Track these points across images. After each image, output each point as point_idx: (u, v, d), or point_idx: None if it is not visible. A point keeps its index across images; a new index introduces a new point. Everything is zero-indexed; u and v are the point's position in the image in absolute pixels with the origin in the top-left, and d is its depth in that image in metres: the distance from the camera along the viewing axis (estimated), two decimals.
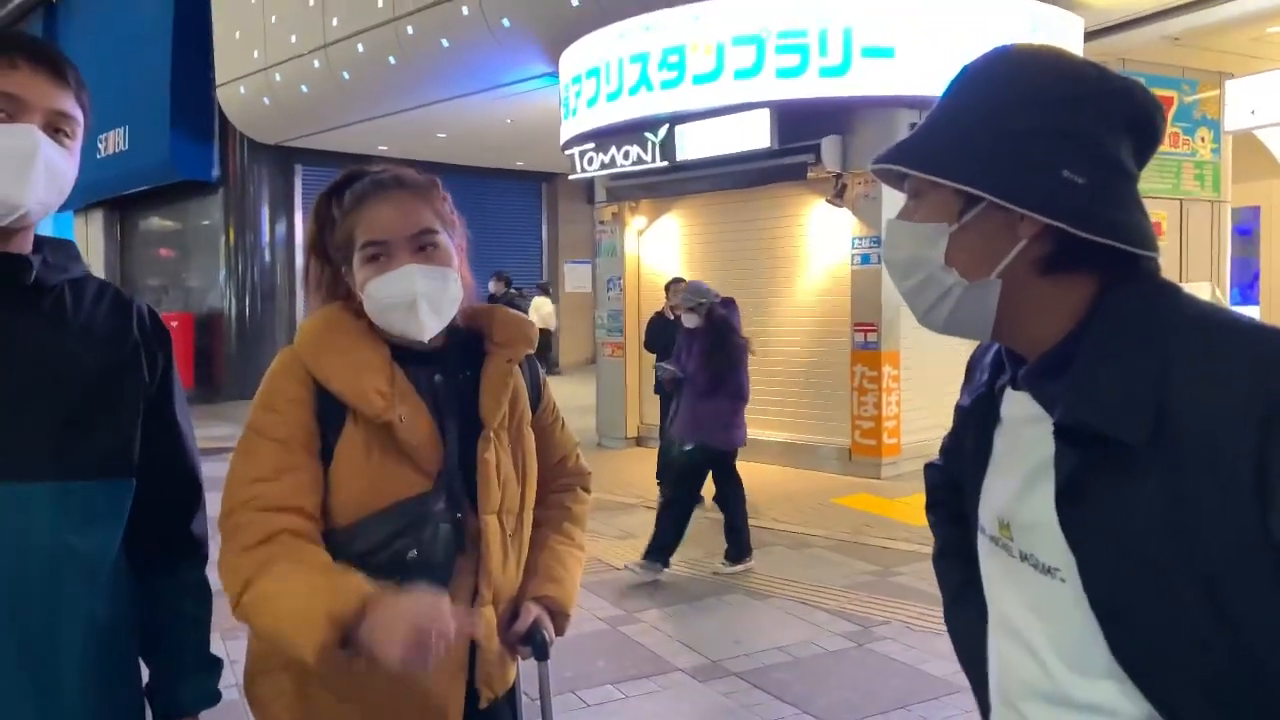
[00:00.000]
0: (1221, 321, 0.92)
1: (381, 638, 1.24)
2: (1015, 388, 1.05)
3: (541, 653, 1.56)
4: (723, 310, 5.93)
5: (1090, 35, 8.40)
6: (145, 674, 1.45)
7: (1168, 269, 1.01)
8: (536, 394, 1.67)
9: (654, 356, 7.66)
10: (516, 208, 16.19)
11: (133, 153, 14.15)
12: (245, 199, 13.81)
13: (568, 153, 9.76)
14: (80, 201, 15.98)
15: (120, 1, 14.49)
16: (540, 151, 12.79)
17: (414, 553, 1.42)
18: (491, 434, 1.52)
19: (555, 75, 9.69)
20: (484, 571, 1.50)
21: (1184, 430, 0.86)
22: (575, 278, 17.03)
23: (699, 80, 8.14)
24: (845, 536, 6.41)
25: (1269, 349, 0.88)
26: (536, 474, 1.62)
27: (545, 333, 15.24)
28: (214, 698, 1.46)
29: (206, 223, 14.40)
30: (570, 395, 10.70)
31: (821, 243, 8.70)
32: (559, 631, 1.60)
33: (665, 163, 8.73)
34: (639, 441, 10.16)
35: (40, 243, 1.34)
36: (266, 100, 12.31)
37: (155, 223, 16.44)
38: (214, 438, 5.81)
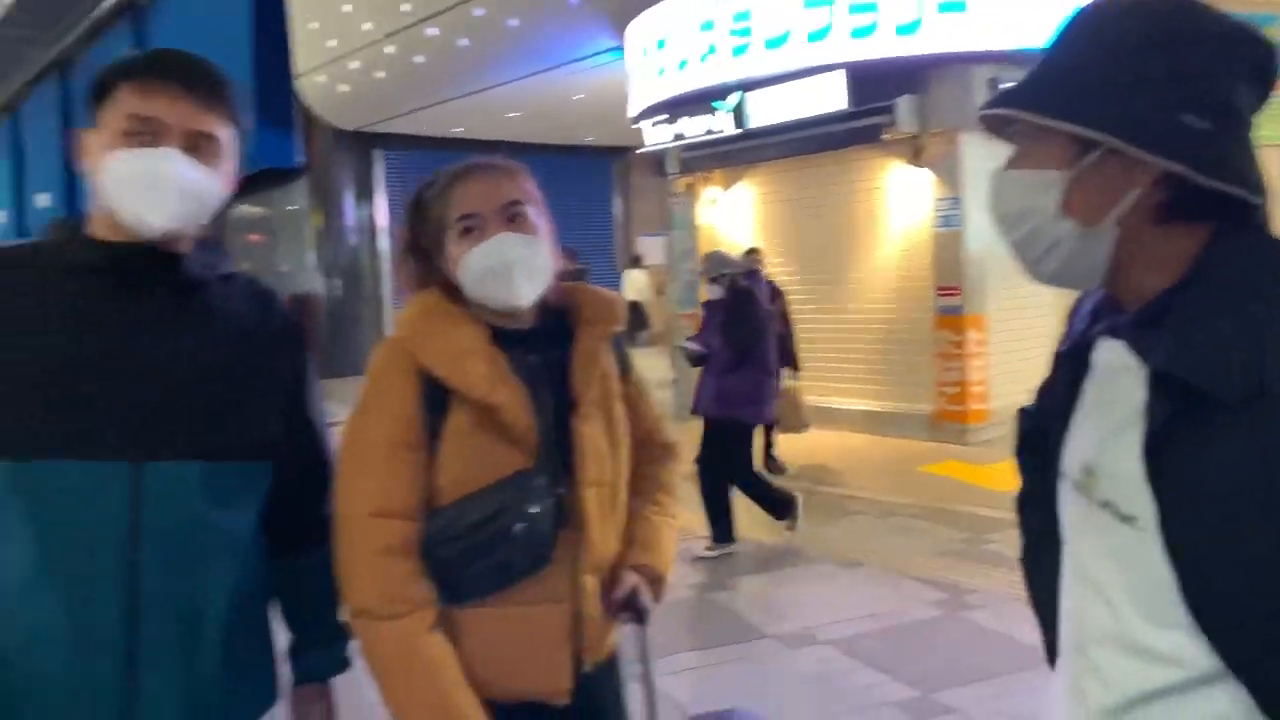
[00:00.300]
0: None
1: None
2: (1112, 336, 1.03)
3: (641, 618, 1.61)
4: (746, 282, 5.72)
5: None
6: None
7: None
8: (624, 368, 1.71)
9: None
10: (588, 183, 16.25)
11: None
12: (329, 184, 14.15)
13: (637, 125, 9.75)
14: None
15: (201, 3, 14.90)
16: (610, 126, 12.80)
17: (519, 526, 1.48)
18: (585, 409, 1.57)
19: (622, 49, 9.67)
20: (584, 542, 1.55)
21: None
22: (649, 251, 17.04)
23: (770, 45, 8.04)
24: (932, 504, 6.34)
25: None
26: (628, 447, 1.67)
27: (638, 306, 15.33)
28: (344, 665, 1.56)
29: (293, 208, 14.80)
30: (647, 369, 10.74)
31: (900, 206, 8.55)
32: (656, 597, 1.65)
33: (737, 130, 8.66)
34: None
35: (196, 242, 1.43)
36: (345, 88, 12.56)
37: (245, 210, 16.97)
38: None
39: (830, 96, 7.85)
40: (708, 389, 5.67)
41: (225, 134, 1.40)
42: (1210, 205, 0.93)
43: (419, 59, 11.37)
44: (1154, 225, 0.96)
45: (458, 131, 13.31)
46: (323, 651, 1.54)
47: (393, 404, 1.49)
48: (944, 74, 7.78)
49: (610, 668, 1.68)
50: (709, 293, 5.80)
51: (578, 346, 1.60)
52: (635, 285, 14.30)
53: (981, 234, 8.00)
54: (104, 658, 1.28)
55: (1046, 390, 1.23)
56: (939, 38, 7.42)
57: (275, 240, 15.41)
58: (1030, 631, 1.27)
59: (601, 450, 1.58)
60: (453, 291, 1.56)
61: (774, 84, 8.21)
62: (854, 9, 7.54)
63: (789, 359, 7.40)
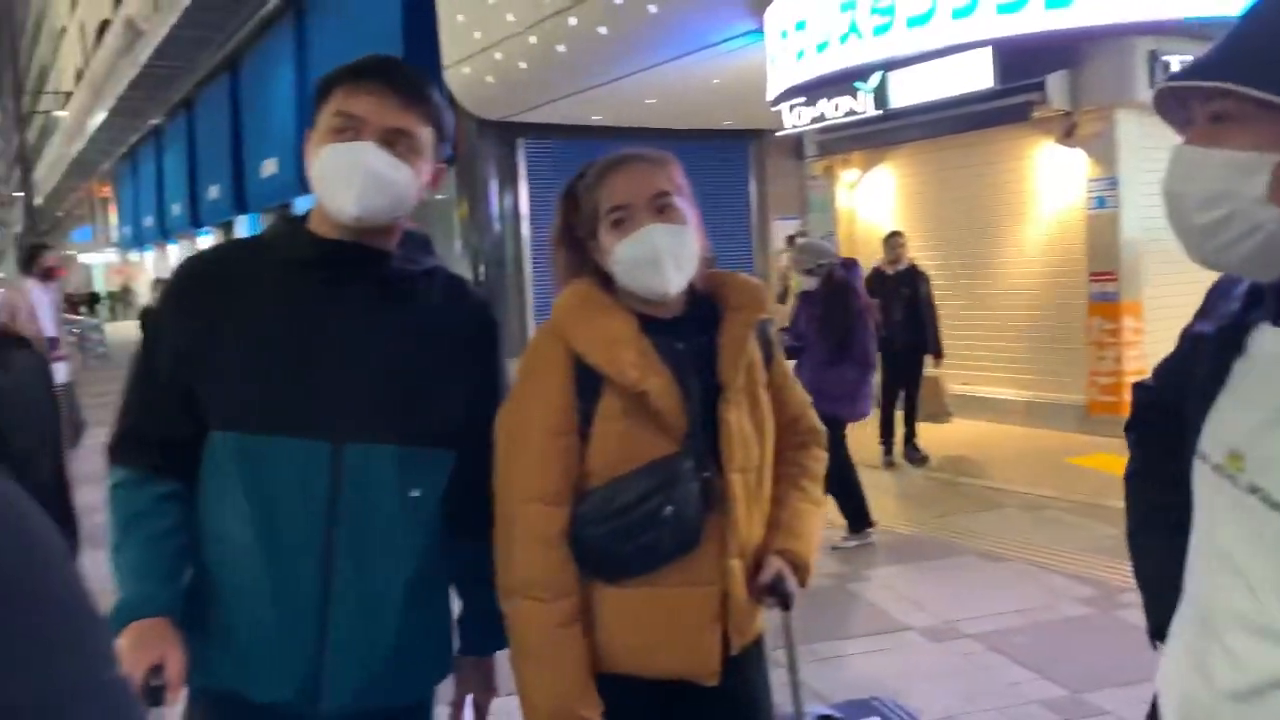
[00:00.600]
0: None
1: None
2: (1277, 324, 1.01)
3: (786, 603, 1.65)
4: (843, 272, 5.50)
5: None
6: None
7: None
8: (769, 355, 1.74)
9: None
10: (723, 168, 16.17)
11: None
12: (475, 174, 14.59)
13: (775, 108, 9.68)
14: None
15: (355, 1, 15.57)
16: (747, 109, 12.70)
17: (669, 509, 1.54)
18: (731, 396, 1.61)
19: (761, 31, 9.60)
20: (731, 526, 1.59)
21: None
22: (784, 235, 16.85)
23: (912, 23, 7.84)
24: (1084, 498, 6.11)
25: None
26: (773, 433, 1.70)
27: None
28: (504, 642, 1.65)
29: (441, 197, 15.33)
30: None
31: (1050, 187, 8.21)
32: (801, 584, 1.68)
33: (878, 111, 8.50)
34: None
35: (403, 238, 1.57)
36: (490, 79, 12.91)
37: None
38: None
39: (976, 74, 7.61)
40: (802, 383, 5.54)
41: (424, 133, 1.51)
42: None
43: (560, 48, 11.59)
44: None
45: (596, 119, 13.50)
46: (488, 627, 1.63)
47: (547, 391, 1.57)
48: (1099, 48, 7.42)
49: (757, 651, 1.72)
50: (804, 284, 5.63)
51: (724, 333, 1.64)
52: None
53: (1139, 216, 7.62)
54: (300, 613, 1.45)
55: (1177, 369, 1.21)
56: (1094, 10, 7.06)
57: (426, 229, 15.99)
58: None
59: (747, 436, 1.62)
60: (604, 280, 1.63)
61: (917, 63, 8.01)
62: None
63: (932, 346, 7.27)
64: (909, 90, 8.19)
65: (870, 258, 8.10)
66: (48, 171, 43.18)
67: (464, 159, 14.58)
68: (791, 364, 5.77)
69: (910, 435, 7.46)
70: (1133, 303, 7.62)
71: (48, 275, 7.03)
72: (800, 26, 8.84)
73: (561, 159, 13.51)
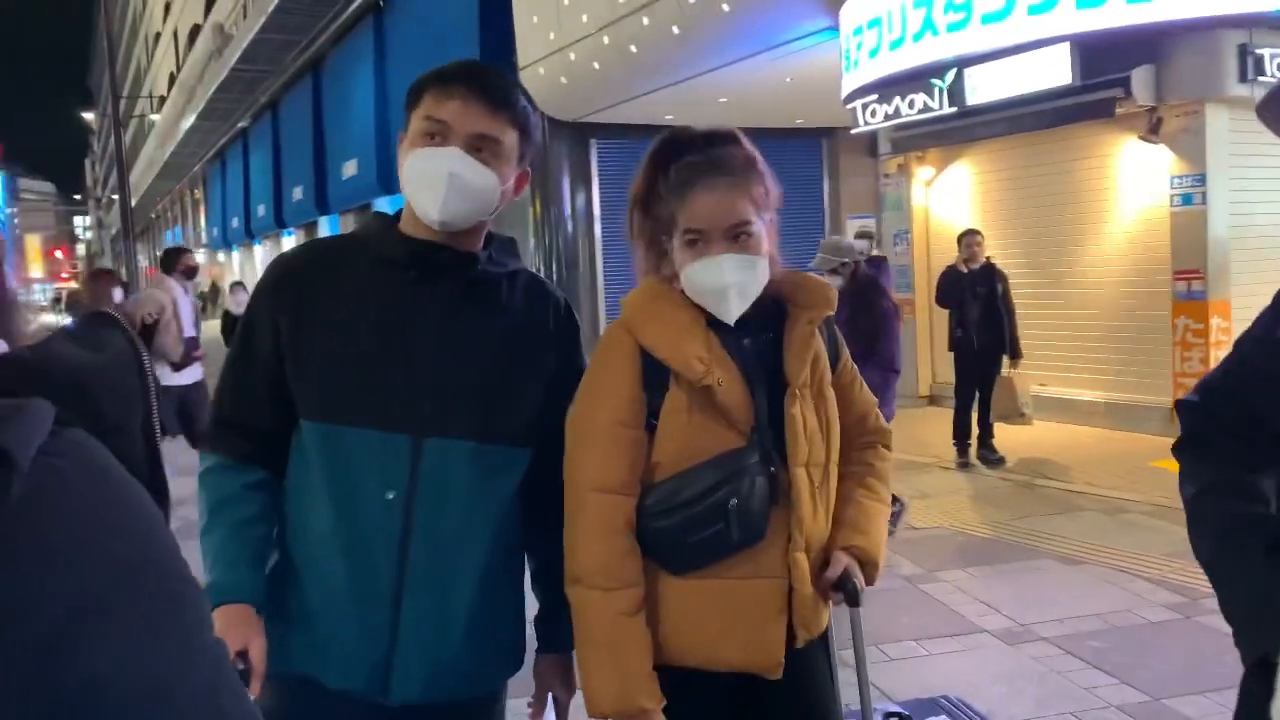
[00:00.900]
0: None
1: None
2: None
3: (853, 599, 1.66)
4: (870, 270, 5.29)
5: None
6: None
7: None
8: (835, 354, 1.76)
9: (946, 313, 7.47)
10: (796, 166, 16.05)
11: None
12: (548, 174, 14.77)
13: (849, 106, 9.62)
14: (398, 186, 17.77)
15: (433, 2, 15.88)
16: (819, 107, 12.62)
17: (734, 502, 1.56)
18: (796, 392, 1.63)
19: (835, 29, 9.55)
20: (796, 520, 1.61)
21: None
22: (852, 232, 16.68)
23: (988, 19, 7.72)
24: (1166, 502, 5.96)
25: None
26: (839, 430, 1.72)
27: None
28: None
29: (517, 198, 15.59)
30: None
31: (1133, 184, 8.02)
32: (869, 581, 1.69)
33: (954, 109, 8.39)
34: (932, 400, 9.93)
35: (489, 240, 1.63)
36: (563, 79, 13.06)
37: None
38: None
39: (1055, 70, 7.46)
40: None
41: (510, 138, 1.54)
42: None
43: (633, 48, 11.68)
44: None
45: (669, 119, 13.52)
46: (567, 624, 1.62)
47: (616, 384, 1.61)
48: (1186, 41, 7.22)
49: (821, 647, 1.73)
50: (829, 284, 5.52)
51: (790, 331, 1.66)
52: None
53: (1226, 213, 7.40)
54: (374, 604, 1.49)
55: (1258, 379, 1.18)
56: (1180, 3, 6.88)
57: (501, 229, 16.23)
58: None
59: (812, 431, 1.64)
60: (670, 273, 1.66)
61: (993, 59, 7.89)
62: None
63: (1010, 346, 7.17)
64: (986, 87, 8.07)
65: (946, 256, 8.02)
66: (142, 174, 44.89)
67: (538, 159, 14.75)
68: None
69: (985, 436, 7.36)
70: (1220, 301, 7.40)
71: (188, 275, 7.33)
72: (874, 24, 8.77)
73: (634, 159, 13.35)
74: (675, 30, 10.93)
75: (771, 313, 1.68)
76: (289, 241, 26.60)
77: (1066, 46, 7.34)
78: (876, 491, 1.79)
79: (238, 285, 15.21)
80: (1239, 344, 1.24)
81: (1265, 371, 1.19)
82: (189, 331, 6.76)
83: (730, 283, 1.58)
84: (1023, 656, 3.90)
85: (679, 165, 1.63)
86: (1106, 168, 8.26)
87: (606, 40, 11.97)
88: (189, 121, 30.60)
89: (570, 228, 14.86)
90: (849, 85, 9.45)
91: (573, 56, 12.64)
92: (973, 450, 7.38)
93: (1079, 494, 6.39)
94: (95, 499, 0.52)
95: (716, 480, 1.56)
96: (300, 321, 1.52)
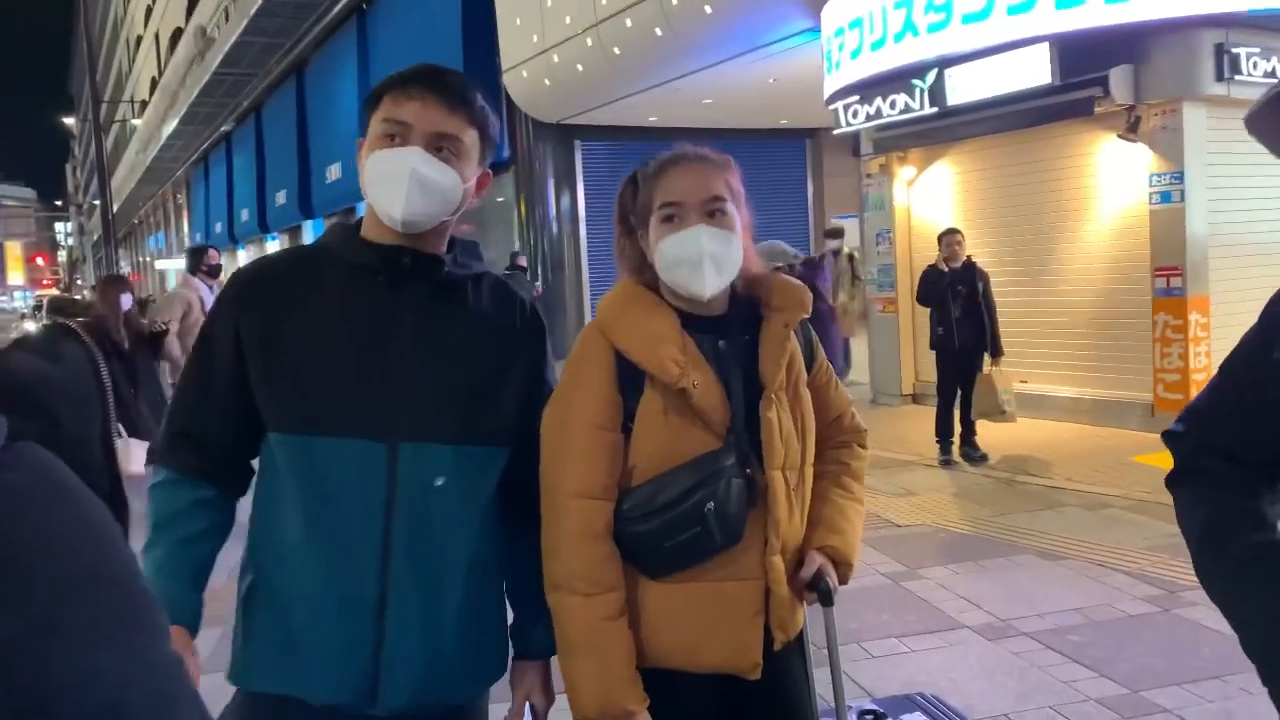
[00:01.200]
0: None
1: None
2: None
3: (826, 599, 1.67)
4: (804, 271, 5.31)
5: None
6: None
7: None
8: (810, 355, 1.77)
9: (928, 311, 7.52)
10: (781, 166, 16.15)
11: None
12: (533, 176, 14.78)
13: (831, 107, 9.66)
14: None
15: (415, 4, 15.87)
16: (803, 108, 12.70)
17: (710, 505, 1.56)
18: (772, 395, 1.64)
19: (817, 30, 9.60)
20: (772, 523, 1.62)
21: None
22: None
23: (968, 19, 7.79)
24: (1147, 496, 6.03)
25: None
26: (814, 431, 1.73)
27: None
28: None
29: (500, 199, 15.56)
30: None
31: (1113, 182, 8.08)
32: (842, 580, 1.70)
33: (934, 109, 8.45)
34: (915, 399, 9.98)
35: (452, 243, 1.61)
36: (547, 81, 13.07)
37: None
38: None
39: (1034, 70, 7.52)
40: None
41: (470, 136, 1.53)
42: None
43: (616, 50, 11.70)
44: None
45: (653, 120, 13.58)
46: (544, 629, 1.62)
47: (591, 387, 1.61)
48: (1163, 41, 7.29)
49: (798, 647, 1.74)
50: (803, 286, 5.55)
51: (764, 333, 1.67)
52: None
53: (1205, 210, 7.47)
54: (358, 615, 1.47)
55: (1256, 405, 1.14)
56: (1158, 3, 6.94)
57: (484, 230, 16.25)
58: None
59: (789, 434, 1.65)
60: (649, 274, 1.68)
61: (973, 59, 7.95)
62: None
63: (991, 344, 7.21)
64: (965, 87, 8.13)
65: (928, 255, 8.07)
66: (124, 179, 44.64)
67: (522, 161, 14.77)
68: None
69: (968, 433, 7.41)
70: (1199, 297, 7.47)
71: (212, 274, 7.27)
72: (855, 24, 8.82)
73: (618, 161, 13.63)
74: (658, 32, 10.96)
75: (747, 315, 1.69)
76: (272, 245, 26.48)
77: (1046, 46, 7.40)
78: (852, 490, 1.79)
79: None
80: (1229, 368, 1.19)
81: (1266, 396, 1.14)
82: None
83: (706, 251, 1.59)
84: (1003, 651, 3.93)
85: (657, 157, 1.68)
86: (1086, 166, 8.33)
87: (590, 42, 11.99)
88: (171, 126, 30.46)
89: (555, 229, 14.87)
90: (831, 86, 9.50)
91: (556, 58, 12.65)
92: (955, 448, 7.42)
93: (1060, 490, 6.44)
94: (49, 513, 0.52)
95: (693, 483, 1.57)
96: (268, 333, 1.49)
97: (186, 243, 39.69)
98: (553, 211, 14.92)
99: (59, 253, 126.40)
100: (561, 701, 1.66)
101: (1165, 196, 7.56)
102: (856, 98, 9.22)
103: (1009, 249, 8.99)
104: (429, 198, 1.48)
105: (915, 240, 9.88)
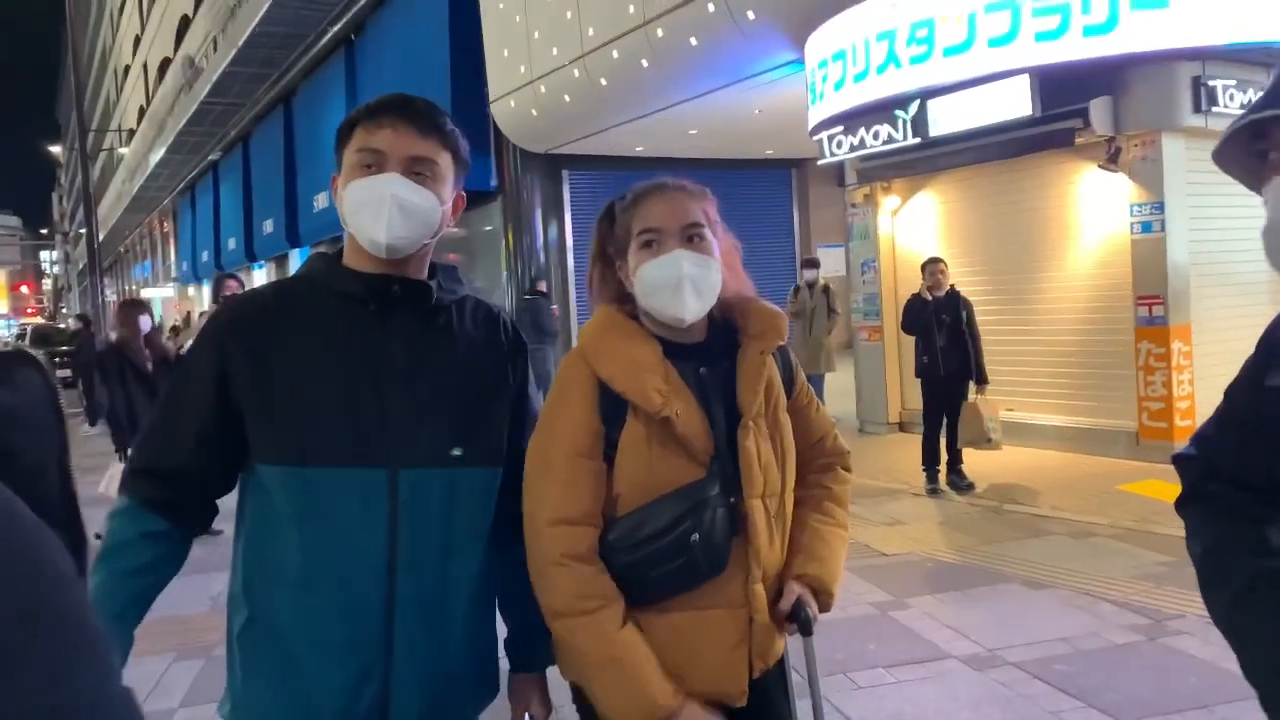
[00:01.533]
0: None
1: None
2: None
3: (806, 629, 1.66)
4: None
5: None
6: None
7: None
8: (790, 378, 1.77)
9: (913, 340, 7.55)
10: (767, 196, 16.26)
11: None
12: (520, 205, 14.82)
13: (815, 138, 9.75)
14: None
15: (403, 35, 15.96)
16: (789, 138, 12.80)
17: (696, 536, 1.55)
18: (750, 423, 1.63)
19: (801, 62, 9.70)
20: (753, 551, 1.61)
21: None
22: (829, 262, 16.82)
23: (950, 52, 7.89)
24: (1133, 525, 6.04)
25: None
26: (794, 456, 1.72)
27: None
28: (555, 659, 1.70)
29: (488, 228, 15.58)
30: (829, 380, 10.69)
31: (1094, 212, 8.17)
32: (823, 608, 1.69)
33: (917, 140, 8.53)
34: (901, 427, 9.99)
35: (434, 268, 1.64)
36: (534, 111, 13.15)
37: (445, 231, 17.97)
38: None
39: (1015, 102, 7.62)
40: None
41: (444, 160, 1.56)
42: None
43: (603, 81, 11.79)
44: None
45: (640, 150, 13.67)
46: (540, 643, 1.65)
47: (574, 414, 1.60)
48: (1142, 73, 7.41)
49: (779, 675, 1.73)
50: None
51: (741, 361, 1.67)
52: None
53: (1185, 240, 7.55)
54: (367, 642, 1.47)
55: (1251, 428, 1.15)
56: (1136, 36, 7.05)
57: (472, 259, 16.26)
58: None
59: (768, 462, 1.64)
60: (629, 305, 1.68)
61: (955, 91, 8.04)
62: (1039, 12, 7.27)
63: (975, 372, 7.24)
64: (948, 118, 8.22)
65: (913, 285, 8.11)
66: (110, 207, 44.56)
67: (510, 191, 14.83)
68: None
69: (954, 462, 7.41)
70: (1181, 326, 7.53)
71: None
72: (838, 56, 8.92)
73: (605, 190, 13.58)
74: (644, 64, 11.06)
75: (727, 341, 1.70)
76: (260, 275, 26.43)
77: (1026, 78, 7.50)
78: (833, 515, 1.78)
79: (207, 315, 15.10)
80: (1231, 394, 1.22)
81: (1260, 422, 1.16)
82: None
83: (686, 274, 1.59)
84: (990, 682, 3.90)
85: (634, 187, 1.69)
86: (1068, 196, 8.41)
87: (577, 73, 12.08)
88: (158, 155, 30.47)
89: (543, 259, 14.90)
90: (815, 117, 9.58)
91: (543, 89, 12.73)
92: (942, 476, 7.42)
93: (1047, 518, 6.44)
94: None
95: (679, 514, 1.56)
96: (259, 367, 1.49)
97: (173, 272, 39.61)
98: (540, 241, 14.95)
99: (44, 281, 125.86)
100: (560, 713, 1.66)
101: (1146, 226, 7.64)
102: (840, 128, 9.30)
103: (992, 278, 9.05)
104: (410, 221, 1.50)
105: (900, 269, 9.94)
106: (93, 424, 15.69)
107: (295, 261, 22.97)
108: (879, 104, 8.62)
